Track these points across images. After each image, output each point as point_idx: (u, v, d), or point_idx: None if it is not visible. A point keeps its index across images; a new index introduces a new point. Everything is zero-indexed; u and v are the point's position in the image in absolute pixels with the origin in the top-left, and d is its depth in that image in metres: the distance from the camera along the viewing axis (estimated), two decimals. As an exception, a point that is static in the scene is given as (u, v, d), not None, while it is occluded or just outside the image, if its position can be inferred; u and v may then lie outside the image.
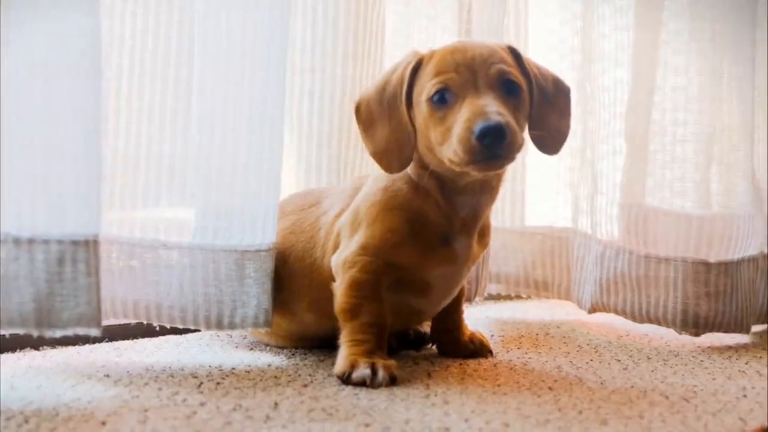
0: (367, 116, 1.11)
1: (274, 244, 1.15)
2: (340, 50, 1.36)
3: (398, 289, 1.11)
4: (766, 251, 1.48)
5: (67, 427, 0.85)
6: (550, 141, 1.12)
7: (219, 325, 1.14)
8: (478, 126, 0.98)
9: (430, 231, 1.10)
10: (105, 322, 1.24)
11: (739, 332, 1.41)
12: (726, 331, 1.39)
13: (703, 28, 1.42)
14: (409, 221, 1.09)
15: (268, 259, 1.14)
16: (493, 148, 0.98)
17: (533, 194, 1.64)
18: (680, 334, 1.40)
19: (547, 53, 1.60)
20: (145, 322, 1.15)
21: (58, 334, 0.97)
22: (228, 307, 1.14)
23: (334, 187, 1.25)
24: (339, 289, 1.10)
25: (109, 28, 1.13)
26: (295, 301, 1.17)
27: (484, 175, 1.06)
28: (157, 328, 1.20)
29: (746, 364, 1.24)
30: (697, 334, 1.39)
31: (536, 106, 1.09)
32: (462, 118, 1.00)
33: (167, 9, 1.15)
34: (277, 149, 1.15)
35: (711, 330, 1.38)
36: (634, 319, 1.42)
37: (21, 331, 0.97)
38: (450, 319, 1.23)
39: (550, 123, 1.11)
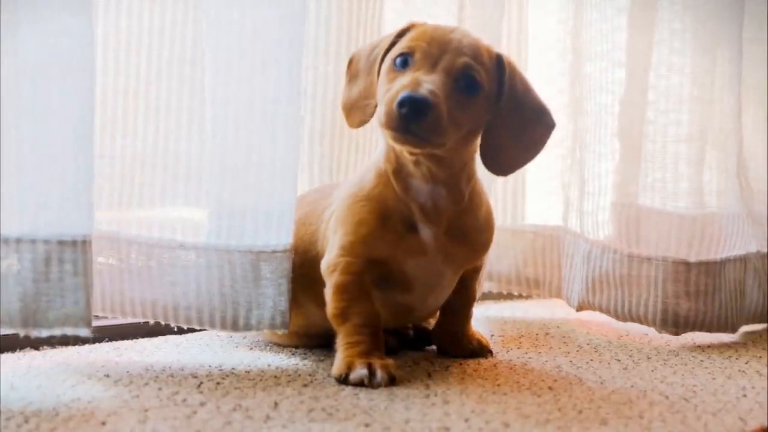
0: (354, 69, 1.14)
1: (291, 244, 1.15)
2: (332, 49, 1.35)
3: (383, 286, 1.12)
4: (764, 251, 1.49)
5: (67, 427, 0.85)
6: (504, 163, 1.11)
7: (235, 327, 1.14)
8: (402, 94, 0.98)
9: (395, 218, 1.09)
10: (108, 322, 1.25)
11: (724, 332, 1.41)
12: (709, 331, 1.39)
13: (695, 28, 1.42)
14: (375, 210, 1.09)
15: (284, 260, 1.14)
16: (408, 120, 0.98)
17: (529, 194, 1.64)
18: (660, 333, 1.40)
19: (545, 51, 1.60)
20: (162, 322, 1.15)
21: (45, 333, 0.97)
22: (243, 308, 1.14)
23: (344, 182, 1.26)
24: (327, 294, 1.10)
25: (127, 28, 1.13)
26: (302, 291, 1.17)
27: (408, 150, 1.05)
28: (175, 328, 1.20)
29: (746, 364, 1.24)
30: (677, 333, 1.39)
31: (500, 122, 1.08)
32: (397, 84, 1.01)
33: (183, 7, 1.15)
34: (293, 148, 1.15)
35: (692, 329, 1.38)
36: (617, 317, 1.42)
37: (7, 331, 0.98)
38: (454, 320, 1.22)
39: (513, 148, 1.10)
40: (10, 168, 0.96)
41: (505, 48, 1.52)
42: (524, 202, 1.62)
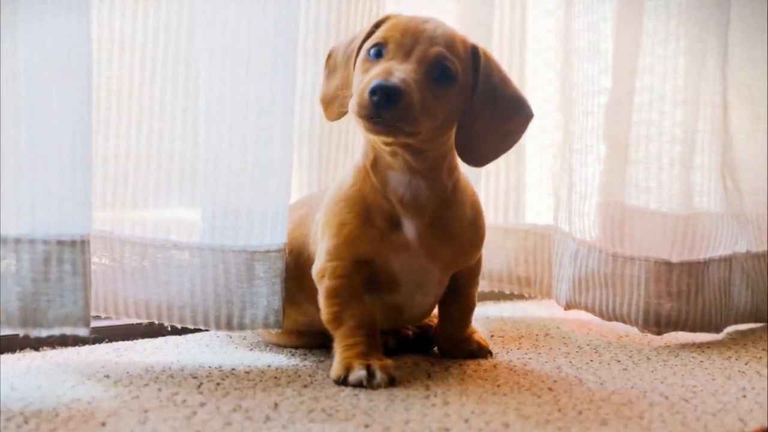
0: (332, 63, 1.14)
1: (285, 244, 1.15)
2: (321, 48, 1.35)
3: (370, 289, 1.12)
4: (753, 251, 1.49)
5: (67, 427, 0.85)
6: (478, 154, 1.10)
7: (229, 326, 1.15)
8: (374, 82, 0.98)
9: (376, 214, 1.09)
10: (107, 323, 1.25)
11: (708, 332, 1.41)
12: (692, 330, 1.40)
13: (681, 31, 1.42)
14: (355, 209, 1.09)
15: (278, 259, 1.14)
16: (380, 108, 0.98)
17: (528, 193, 1.64)
18: (642, 332, 1.41)
19: (543, 52, 1.60)
20: (156, 322, 1.16)
21: (44, 333, 0.98)
22: (238, 307, 1.14)
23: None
24: (320, 300, 1.10)
25: (120, 28, 1.13)
26: (298, 290, 1.18)
27: (381, 140, 1.04)
28: (169, 328, 1.20)
29: (746, 364, 1.24)
30: (659, 333, 1.40)
31: (475, 113, 1.08)
32: (371, 73, 1.01)
33: (177, 8, 1.16)
34: (287, 148, 1.15)
35: (674, 329, 1.39)
36: (602, 316, 1.43)
37: (7, 331, 0.98)
38: (454, 326, 1.22)
39: (488, 139, 1.10)
40: (9, 168, 0.96)
41: (497, 47, 1.52)
42: (523, 201, 1.62)
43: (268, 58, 1.13)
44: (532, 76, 1.59)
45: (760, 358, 1.28)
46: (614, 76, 1.45)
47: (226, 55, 1.13)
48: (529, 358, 1.23)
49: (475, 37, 1.20)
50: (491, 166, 1.56)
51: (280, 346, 1.26)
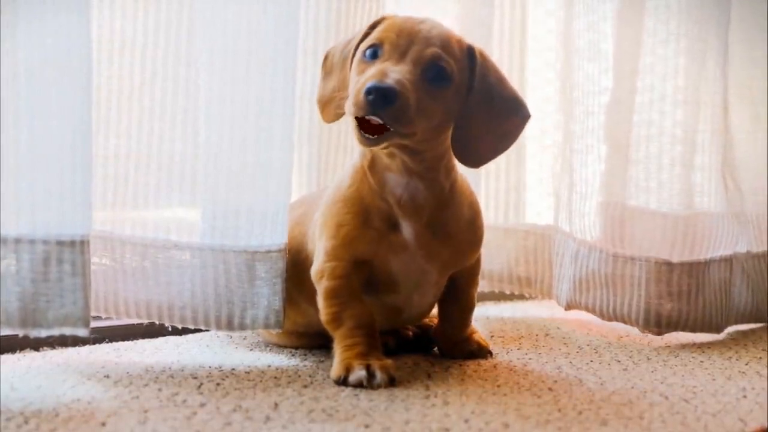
0: (329, 65, 1.14)
1: (285, 244, 1.15)
2: (320, 49, 1.35)
3: (369, 290, 1.12)
4: (753, 251, 1.49)
5: (67, 427, 0.85)
6: (474, 154, 1.10)
7: (230, 326, 1.15)
8: (369, 83, 0.98)
9: (374, 215, 1.09)
10: (108, 323, 1.25)
11: (708, 332, 1.41)
12: (692, 331, 1.40)
13: (682, 31, 1.42)
14: (353, 210, 1.09)
15: (279, 259, 1.15)
16: (375, 108, 0.98)
17: (529, 192, 1.64)
18: (643, 333, 1.41)
19: (543, 52, 1.60)
20: (157, 322, 1.16)
21: (44, 333, 0.98)
22: (238, 308, 1.15)
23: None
24: (319, 301, 1.11)
25: (121, 28, 1.13)
26: (297, 290, 1.18)
27: (371, 142, 1.03)
28: (169, 328, 1.20)
29: (746, 364, 1.24)
30: (659, 333, 1.40)
31: (472, 113, 1.07)
32: (366, 75, 1.01)
33: (177, 8, 1.16)
34: (288, 148, 1.15)
35: (675, 329, 1.39)
36: (602, 317, 1.43)
37: (6, 331, 0.98)
38: (453, 327, 1.22)
39: (485, 139, 1.09)
40: (9, 168, 0.96)
41: (497, 47, 1.52)
42: (524, 201, 1.62)
43: (268, 58, 1.13)
44: (532, 76, 1.59)
45: (760, 358, 1.28)
46: (615, 76, 1.45)
47: (226, 55, 1.13)
48: (529, 359, 1.23)
49: (475, 37, 1.20)
50: (491, 166, 1.56)
51: (280, 347, 1.26)
